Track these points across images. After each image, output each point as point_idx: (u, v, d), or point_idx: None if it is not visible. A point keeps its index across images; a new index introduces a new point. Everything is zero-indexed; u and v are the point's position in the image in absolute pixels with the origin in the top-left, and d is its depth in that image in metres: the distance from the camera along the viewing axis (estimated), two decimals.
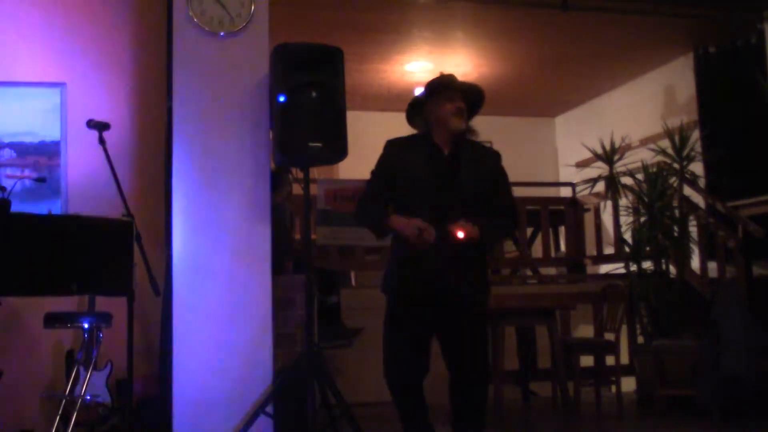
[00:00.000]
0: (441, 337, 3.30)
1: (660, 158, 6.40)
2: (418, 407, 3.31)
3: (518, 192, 8.73)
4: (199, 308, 3.88)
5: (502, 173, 3.41)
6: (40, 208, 4.55)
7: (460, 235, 3.11)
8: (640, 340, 6.29)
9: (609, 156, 6.76)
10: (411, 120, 3.46)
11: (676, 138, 6.31)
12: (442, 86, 3.34)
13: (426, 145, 3.31)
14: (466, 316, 3.25)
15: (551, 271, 7.87)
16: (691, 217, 6.29)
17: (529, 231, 7.63)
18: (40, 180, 4.48)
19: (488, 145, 3.65)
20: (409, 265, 3.26)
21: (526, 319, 5.71)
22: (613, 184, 6.74)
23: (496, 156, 3.41)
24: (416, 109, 3.41)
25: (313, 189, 5.39)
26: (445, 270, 3.17)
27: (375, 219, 3.35)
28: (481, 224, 3.16)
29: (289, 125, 3.72)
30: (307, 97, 3.72)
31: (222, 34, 4.05)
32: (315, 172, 5.19)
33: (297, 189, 5.08)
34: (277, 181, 5.08)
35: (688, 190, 6.38)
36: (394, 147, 3.38)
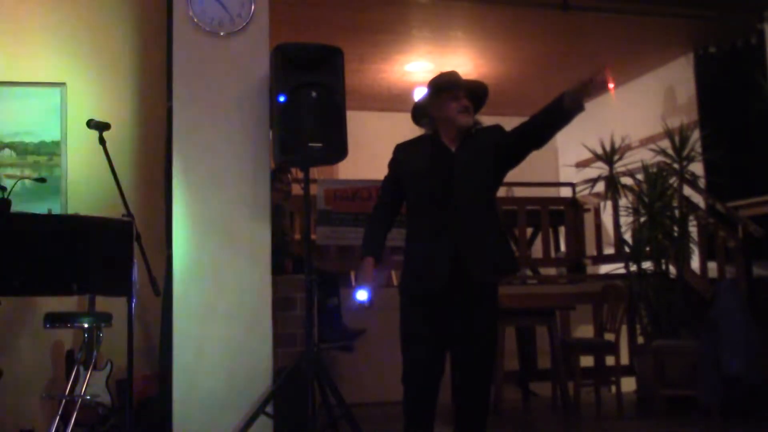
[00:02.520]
0: (453, 333, 3.27)
1: (660, 158, 6.40)
2: (428, 413, 3.28)
3: (518, 192, 8.80)
4: (199, 308, 3.88)
5: (504, 133, 3.33)
6: (40, 208, 4.55)
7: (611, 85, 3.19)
8: (640, 340, 6.29)
9: (609, 156, 6.76)
10: (417, 121, 3.45)
11: (676, 138, 6.31)
12: (446, 85, 3.33)
13: (431, 144, 3.31)
14: (480, 312, 3.21)
15: (551, 271, 7.87)
16: (691, 218, 6.29)
17: (529, 231, 7.63)
18: (40, 180, 4.48)
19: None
20: (422, 263, 3.24)
21: (526, 319, 5.72)
22: (613, 184, 6.74)
23: (496, 131, 3.34)
24: (421, 109, 3.41)
25: (313, 189, 5.40)
26: (462, 256, 3.15)
27: (364, 242, 3.38)
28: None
29: (289, 125, 3.72)
30: (307, 97, 3.72)
31: (222, 34, 4.05)
32: (315, 172, 5.19)
33: (297, 189, 5.09)
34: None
35: (688, 191, 6.38)
36: (400, 150, 3.39)
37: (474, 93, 3.35)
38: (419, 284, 3.24)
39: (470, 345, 3.23)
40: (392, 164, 3.39)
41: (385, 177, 3.42)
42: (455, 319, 3.21)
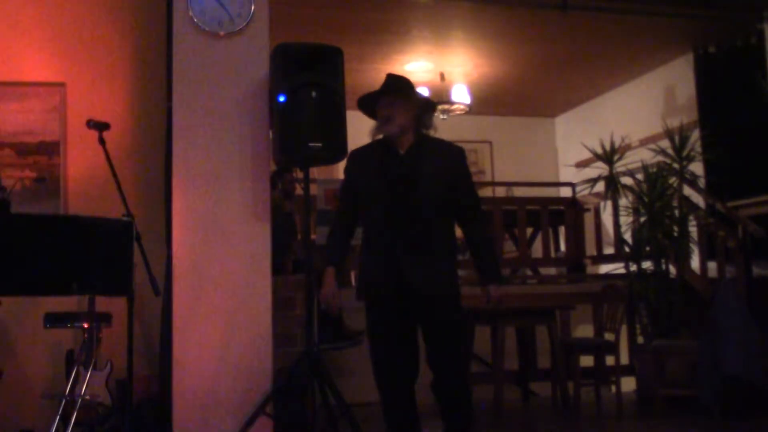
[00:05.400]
0: (417, 332, 3.29)
1: (660, 158, 6.40)
2: (406, 414, 3.28)
3: (518, 192, 8.79)
4: (199, 308, 3.88)
5: (463, 170, 3.34)
6: (40, 208, 4.55)
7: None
8: (640, 340, 6.29)
9: (609, 156, 6.76)
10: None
11: (676, 138, 6.31)
12: (379, 91, 3.36)
13: (382, 148, 3.33)
14: (436, 314, 3.22)
15: (551, 271, 7.87)
16: (691, 217, 6.29)
17: (529, 231, 7.63)
18: (40, 180, 4.47)
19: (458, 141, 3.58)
20: (372, 268, 3.29)
21: (526, 319, 5.71)
22: (612, 184, 6.74)
23: (457, 153, 3.35)
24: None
25: (313, 189, 5.40)
26: (407, 269, 3.16)
27: (327, 252, 3.45)
28: (488, 272, 3.29)
29: (289, 125, 3.72)
30: (307, 97, 3.72)
31: (222, 34, 4.05)
32: (315, 172, 5.19)
33: (297, 189, 5.09)
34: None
35: (687, 190, 6.39)
36: (353, 157, 3.44)
37: (399, 95, 3.31)
38: (369, 290, 3.29)
39: (434, 344, 3.23)
40: (346, 171, 3.43)
41: (341, 184, 3.47)
42: (418, 316, 3.21)
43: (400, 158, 3.27)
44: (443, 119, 7.94)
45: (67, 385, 4.03)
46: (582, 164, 8.34)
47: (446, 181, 3.24)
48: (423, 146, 3.28)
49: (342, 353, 5.39)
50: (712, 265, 6.36)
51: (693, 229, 6.29)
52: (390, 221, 3.20)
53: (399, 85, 3.35)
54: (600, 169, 6.88)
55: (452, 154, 3.33)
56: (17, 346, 4.54)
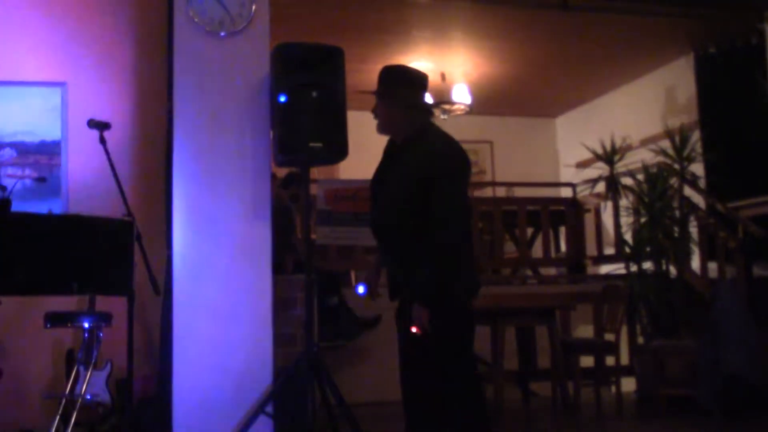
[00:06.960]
0: None
1: (660, 159, 6.41)
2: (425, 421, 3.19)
3: (519, 192, 8.78)
4: (199, 308, 3.88)
5: (430, 174, 2.93)
6: (40, 208, 4.55)
7: (413, 330, 2.94)
8: (640, 340, 6.29)
9: (609, 156, 6.76)
10: None
11: (677, 138, 6.32)
12: None
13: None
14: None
15: (551, 271, 7.87)
16: (692, 218, 6.29)
17: (530, 231, 7.64)
18: (40, 180, 4.48)
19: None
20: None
21: (526, 319, 5.71)
22: (613, 184, 6.74)
23: (434, 152, 3.00)
24: None
25: (313, 189, 5.40)
26: (390, 276, 3.18)
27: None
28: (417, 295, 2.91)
29: (290, 125, 3.72)
30: (307, 97, 3.72)
31: (222, 34, 4.04)
32: (315, 172, 5.20)
33: None
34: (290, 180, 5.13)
35: (688, 191, 6.39)
36: None
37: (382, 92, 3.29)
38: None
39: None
40: None
41: None
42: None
43: (386, 156, 3.26)
44: (443, 119, 7.95)
45: (67, 385, 4.03)
46: (582, 165, 8.34)
47: (407, 184, 2.98)
48: (409, 143, 3.13)
49: (341, 353, 5.39)
50: (712, 266, 6.37)
51: (693, 230, 6.30)
52: (373, 225, 3.21)
53: (378, 84, 3.30)
54: (600, 169, 6.88)
55: (424, 155, 2.99)
56: (17, 346, 4.54)
